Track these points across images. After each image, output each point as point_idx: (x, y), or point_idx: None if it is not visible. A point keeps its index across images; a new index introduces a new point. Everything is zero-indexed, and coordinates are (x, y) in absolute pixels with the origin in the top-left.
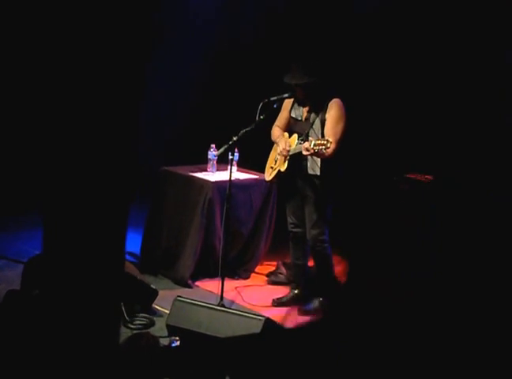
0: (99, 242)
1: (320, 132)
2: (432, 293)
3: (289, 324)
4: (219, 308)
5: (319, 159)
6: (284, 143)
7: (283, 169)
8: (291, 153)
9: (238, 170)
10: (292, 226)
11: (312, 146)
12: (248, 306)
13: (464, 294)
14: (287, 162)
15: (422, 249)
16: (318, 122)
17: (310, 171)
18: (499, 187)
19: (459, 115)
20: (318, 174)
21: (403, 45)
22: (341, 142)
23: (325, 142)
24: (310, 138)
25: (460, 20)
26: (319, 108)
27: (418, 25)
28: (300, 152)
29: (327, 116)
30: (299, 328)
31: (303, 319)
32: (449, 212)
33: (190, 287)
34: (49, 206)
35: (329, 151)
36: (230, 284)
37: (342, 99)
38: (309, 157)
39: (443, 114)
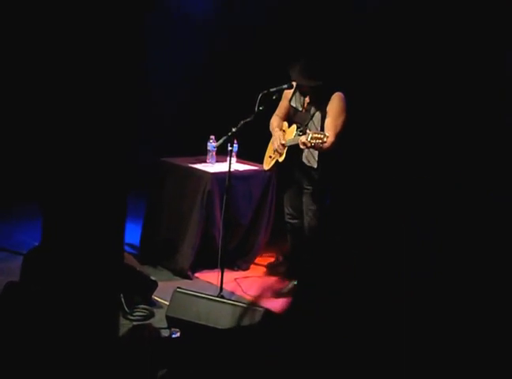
0: (99, 232)
1: (320, 124)
2: (431, 290)
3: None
4: (218, 299)
5: (316, 152)
6: (278, 140)
7: (280, 160)
8: (288, 144)
9: (237, 162)
10: (289, 217)
11: (309, 139)
12: (248, 297)
13: (464, 294)
14: (285, 152)
15: (421, 247)
16: (318, 115)
17: (305, 161)
18: (499, 187)
19: (459, 114)
20: (315, 166)
21: (404, 44)
22: (341, 136)
23: (322, 136)
24: (307, 131)
25: (460, 18)
26: (321, 101)
27: (418, 24)
28: (298, 144)
29: (328, 109)
30: (299, 320)
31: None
32: (448, 212)
33: (189, 278)
34: (48, 198)
35: (327, 144)
36: (229, 275)
37: (344, 93)
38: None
39: (443, 113)
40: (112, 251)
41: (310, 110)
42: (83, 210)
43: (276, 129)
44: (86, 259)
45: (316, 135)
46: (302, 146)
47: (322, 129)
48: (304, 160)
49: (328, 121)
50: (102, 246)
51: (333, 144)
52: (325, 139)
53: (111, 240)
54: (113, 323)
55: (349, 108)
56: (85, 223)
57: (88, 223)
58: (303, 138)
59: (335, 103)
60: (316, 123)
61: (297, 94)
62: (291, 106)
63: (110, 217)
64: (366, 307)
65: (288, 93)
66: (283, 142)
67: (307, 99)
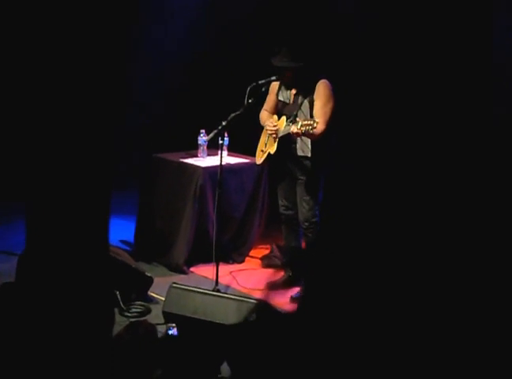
0: (82, 230)
1: (309, 113)
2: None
3: (284, 307)
4: (214, 293)
5: (309, 141)
6: (270, 122)
7: (272, 151)
8: (280, 135)
9: (228, 155)
10: (284, 208)
11: (300, 127)
12: (243, 290)
13: (462, 293)
14: (276, 144)
15: (416, 243)
16: (306, 104)
17: (299, 153)
18: (492, 182)
19: (447, 105)
20: (309, 155)
21: (390, 32)
22: (330, 122)
23: (312, 122)
24: (297, 119)
25: (445, 9)
26: (307, 90)
27: (404, 11)
28: (289, 134)
29: (315, 97)
30: (295, 312)
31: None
32: (440, 208)
33: (184, 273)
34: (31, 195)
35: (318, 131)
36: (224, 269)
37: (330, 80)
38: (298, 139)
39: (431, 104)
40: (97, 247)
41: (297, 100)
42: (66, 206)
43: (269, 119)
44: (71, 256)
45: (306, 122)
46: (295, 135)
47: (311, 117)
48: (298, 151)
49: (316, 109)
50: (86, 243)
51: (324, 131)
52: (314, 124)
53: (95, 236)
54: (108, 320)
55: (336, 95)
56: (68, 220)
57: (71, 221)
58: (293, 128)
59: (321, 91)
60: (305, 112)
61: (283, 88)
62: (279, 101)
63: (93, 213)
64: (363, 304)
65: (274, 87)
66: (275, 124)
67: (293, 91)
